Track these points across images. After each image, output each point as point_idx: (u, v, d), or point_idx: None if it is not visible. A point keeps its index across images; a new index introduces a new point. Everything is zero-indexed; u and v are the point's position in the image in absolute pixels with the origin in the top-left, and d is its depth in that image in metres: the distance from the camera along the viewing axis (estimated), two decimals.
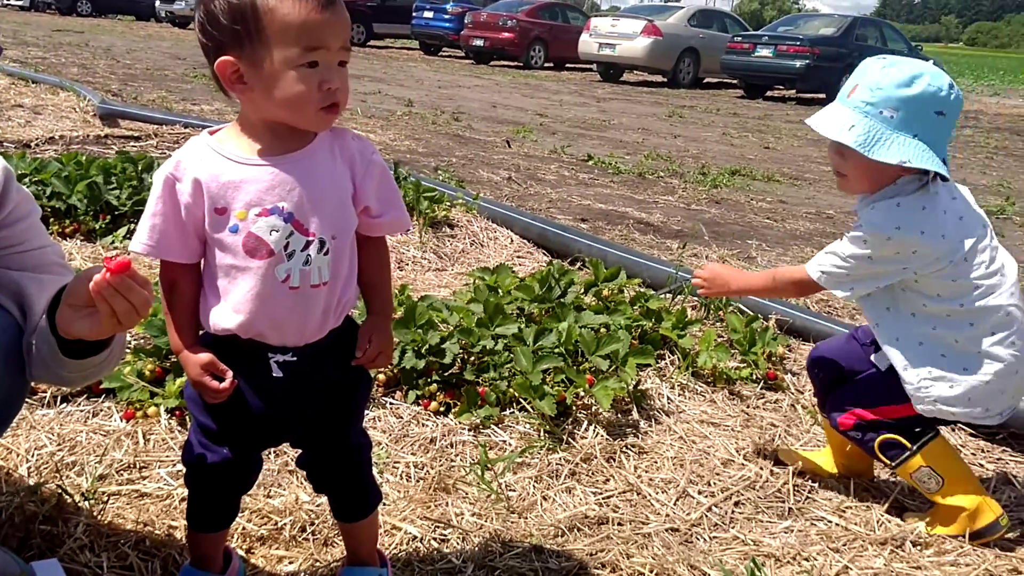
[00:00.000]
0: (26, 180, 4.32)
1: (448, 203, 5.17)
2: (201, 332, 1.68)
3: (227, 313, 1.61)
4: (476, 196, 5.41)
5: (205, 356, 1.64)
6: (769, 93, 19.47)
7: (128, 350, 2.79)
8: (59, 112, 7.76)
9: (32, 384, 2.30)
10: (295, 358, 1.66)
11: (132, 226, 4.19)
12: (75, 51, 15.03)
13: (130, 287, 1.43)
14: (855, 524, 2.41)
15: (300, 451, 1.84)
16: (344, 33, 1.54)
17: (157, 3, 28.78)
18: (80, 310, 1.48)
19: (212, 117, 8.47)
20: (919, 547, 2.32)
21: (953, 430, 3.00)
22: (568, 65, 24.81)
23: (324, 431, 1.76)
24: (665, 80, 21.36)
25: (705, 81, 22.05)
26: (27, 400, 2.56)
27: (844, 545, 2.31)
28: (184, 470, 1.81)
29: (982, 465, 2.83)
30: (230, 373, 1.64)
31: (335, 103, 1.55)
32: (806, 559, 2.23)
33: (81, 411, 2.61)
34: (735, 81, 20.67)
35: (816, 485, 2.59)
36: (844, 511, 2.47)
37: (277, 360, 1.65)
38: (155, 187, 1.59)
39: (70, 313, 1.50)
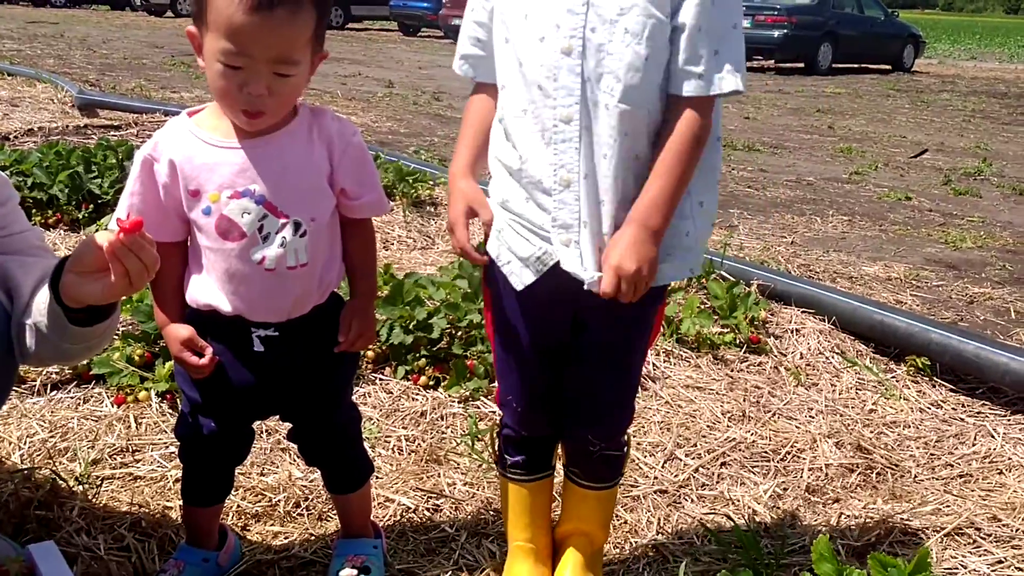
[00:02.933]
0: (7, 172, 4.30)
1: (431, 182, 5.18)
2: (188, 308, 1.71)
3: (206, 291, 1.65)
4: None
5: (185, 332, 1.67)
6: (748, 64, 19.41)
7: (116, 335, 2.81)
8: (37, 104, 7.70)
9: (21, 372, 2.32)
10: (277, 333, 1.68)
11: None
12: (50, 42, 14.88)
13: (142, 246, 1.45)
14: (836, 481, 2.46)
15: (290, 425, 1.87)
16: (276, 47, 1.46)
17: None
18: (88, 276, 1.49)
19: (192, 104, 8.41)
20: (897, 500, 2.37)
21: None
22: None
23: (311, 404, 1.79)
24: None
25: None
26: (17, 389, 2.58)
27: (828, 501, 2.36)
28: (178, 445, 1.85)
29: (963, 419, 2.89)
30: (209, 350, 1.67)
31: (258, 110, 1.51)
32: (792, 516, 2.27)
33: (72, 398, 2.63)
34: None
35: (799, 445, 2.64)
36: (826, 468, 2.52)
37: (259, 335, 1.68)
38: (134, 167, 1.61)
39: (77, 280, 1.50)
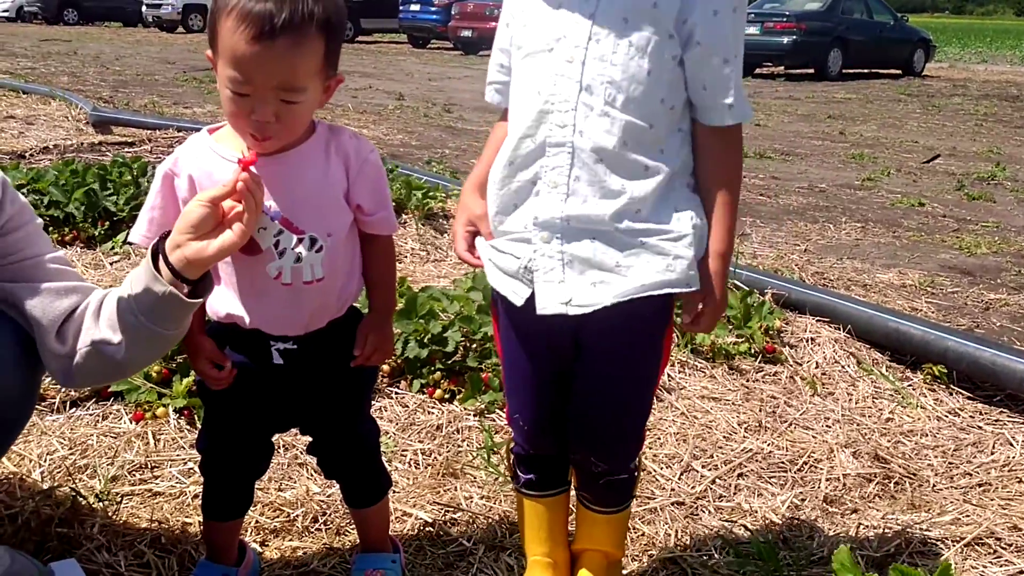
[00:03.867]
0: (23, 190, 4.34)
1: (443, 195, 5.20)
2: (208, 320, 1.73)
3: (225, 303, 1.68)
4: None
5: (205, 344, 1.70)
6: (758, 70, 19.47)
7: None
8: (52, 122, 7.77)
9: (41, 390, 2.33)
10: (295, 346, 1.70)
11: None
12: (64, 60, 15.01)
13: (259, 178, 1.51)
14: (854, 491, 2.45)
15: (310, 439, 1.89)
16: (280, 75, 1.48)
17: (143, 8, 28.63)
18: (208, 236, 1.50)
19: (205, 120, 8.48)
20: (916, 510, 2.36)
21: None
22: None
23: (330, 417, 1.81)
24: None
25: None
26: (37, 407, 2.59)
27: (846, 511, 2.35)
28: (199, 458, 1.86)
29: (980, 427, 2.87)
30: (228, 362, 1.69)
31: (265, 135, 1.54)
32: (810, 527, 2.27)
33: (91, 415, 2.64)
34: None
35: (816, 455, 2.63)
36: (843, 478, 2.51)
37: (278, 348, 1.70)
38: (155, 182, 1.64)
39: (203, 245, 1.50)
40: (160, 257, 1.53)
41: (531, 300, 1.61)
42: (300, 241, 1.61)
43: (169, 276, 1.52)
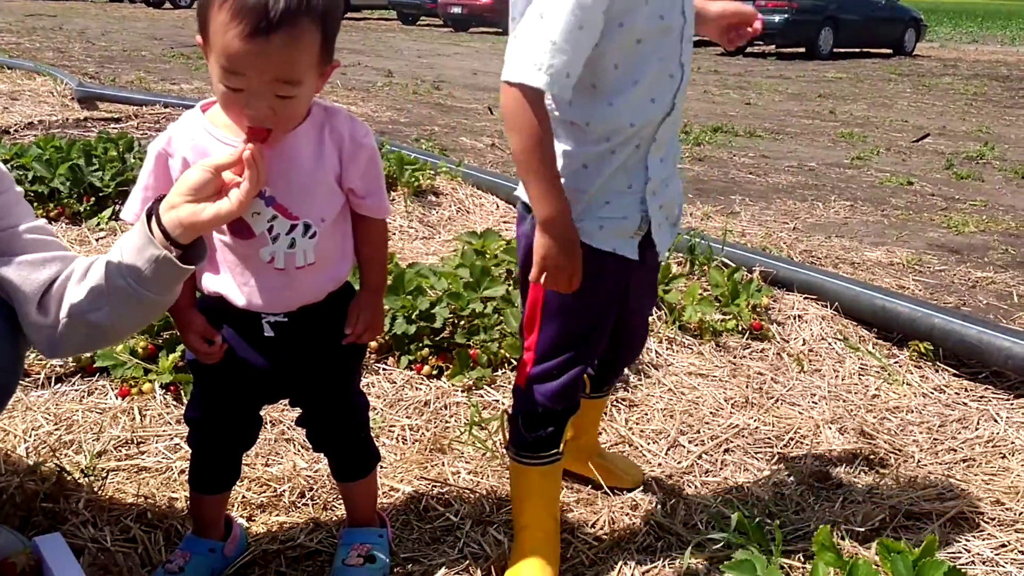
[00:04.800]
0: (8, 165, 4.30)
1: (432, 172, 5.18)
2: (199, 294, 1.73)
3: (216, 282, 1.67)
4: (459, 163, 5.42)
5: (196, 318, 1.69)
6: (749, 49, 19.39)
7: None
8: (37, 97, 7.69)
9: (26, 365, 2.31)
10: (286, 319, 1.70)
11: (117, 207, 4.19)
12: (49, 35, 14.84)
13: (263, 151, 1.50)
14: (840, 466, 2.47)
15: (297, 413, 1.89)
16: (275, 70, 1.43)
17: None
18: (206, 201, 1.48)
19: (192, 96, 8.41)
20: (901, 485, 2.38)
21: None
22: None
23: (320, 388, 1.81)
24: None
25: None
26: (22, 382, 2.58)
27: (831, 486, 2.36)
28: (188, 430, 1.86)
29: (966, 404, 2.89)
30: (219, 336, 1.69)
31: (264, 128, 1.50)
32: (795, 502, 2.28)
33: (76, 390, 2.63)
34: None
35: (802, 431, 2.64)
36: (829, 454, 2.52)
37: (269, 320, 1.70)
38: (148, 160, 1.62)
39: (199, 208, 1.48)
40: (154, 220, 1.51)
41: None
42: (294, 227, 1.60)
43: (161, 239, 1.50)
